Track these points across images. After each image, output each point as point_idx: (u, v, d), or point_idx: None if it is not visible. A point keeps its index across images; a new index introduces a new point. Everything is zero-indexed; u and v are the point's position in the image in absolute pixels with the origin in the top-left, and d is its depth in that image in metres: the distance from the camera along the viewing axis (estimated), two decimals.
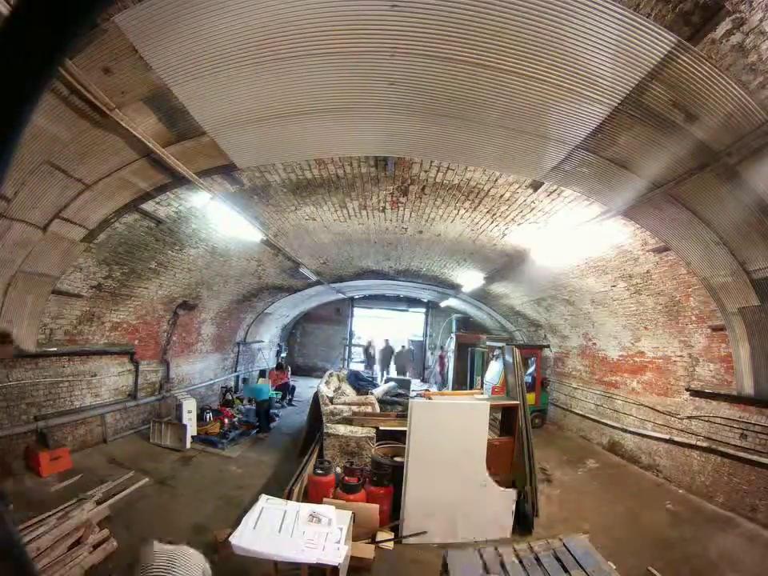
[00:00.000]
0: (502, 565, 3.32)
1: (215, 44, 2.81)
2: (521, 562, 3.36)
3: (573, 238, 5.54)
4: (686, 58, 2.64)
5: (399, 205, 5.95)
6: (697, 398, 6.32)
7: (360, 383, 10.49)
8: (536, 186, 4.74)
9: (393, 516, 4.94)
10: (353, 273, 11.57)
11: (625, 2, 2.36)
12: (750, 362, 5.19)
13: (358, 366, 16.63)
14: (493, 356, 11.36)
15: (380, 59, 3.02)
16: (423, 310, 19.20)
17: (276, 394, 11.60)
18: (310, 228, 6.91)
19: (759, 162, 3.28)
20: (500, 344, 10.09)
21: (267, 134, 4.02)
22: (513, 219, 5.87)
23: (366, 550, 4.25)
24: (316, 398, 7.09)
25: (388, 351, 17.04)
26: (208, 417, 8.52)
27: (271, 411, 9.90)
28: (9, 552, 0.37)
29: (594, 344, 9.10)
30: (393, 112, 3.68)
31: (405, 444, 4.91)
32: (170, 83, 3.14)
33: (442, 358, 16.06)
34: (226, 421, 8.71)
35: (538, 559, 3.38)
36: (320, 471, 5.08)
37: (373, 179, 5.10)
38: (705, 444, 6.04)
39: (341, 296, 16.57)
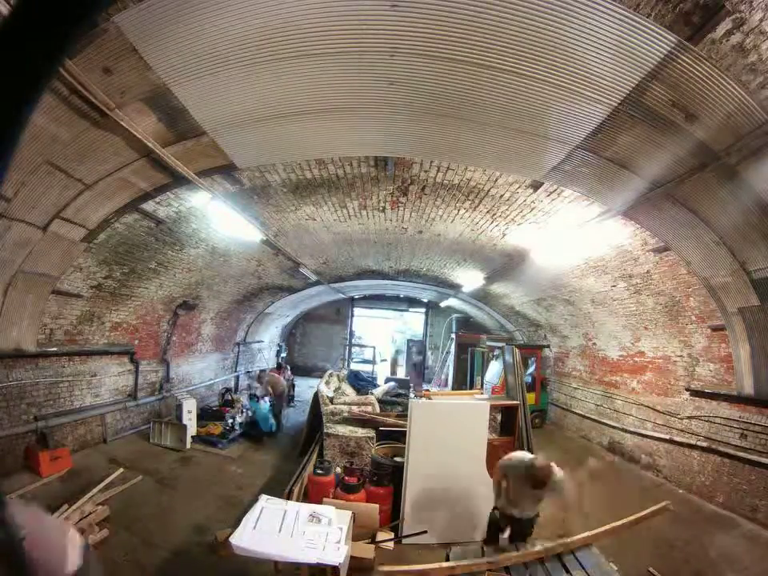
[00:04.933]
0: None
1: (215, 44, 2.81)
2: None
3: (573, 237, 5.54)
4: (686, 58, 2.64)
5: (399, 205, 5.95)
6: (697, 398, 6.32)
7: (360, 383, 10.48)
8: (536, 185, 4.75)
9: (393, 516, 4.94)
10: (353, 273, 11.57)
11: (625, 1, 2.36)
12: (750, 361, 5.19)
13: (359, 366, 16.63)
14: (493, 356, 11.36)
15: (380, 59, 3.02)
16: (423, 309, 19.21)
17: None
18: (310, 228, 6.91)
19: (759, 161, 3.28)
20: (500, 344, 10.09)
21: (267, 134, 4.02)
22: (513, 219, 5.87)
23: (366, 550, 4.25)
24: (316, 398, 7.08)
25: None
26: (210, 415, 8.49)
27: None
28: (9, 552, 0.37)
29: (594, 344, 9.10)
30: (393, 112, 3.68)
31: (405, 444, 4.91)
32: (169, 83, 3.14)
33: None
34: (230, 421, 8.66)
35: (540, 558, 3.38)
36: (320, 471, 5.07)
37: (373, 179, 5.10)
38: (705, 444, 6.04)
39: (341, 296, 16.57)
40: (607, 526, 3.62)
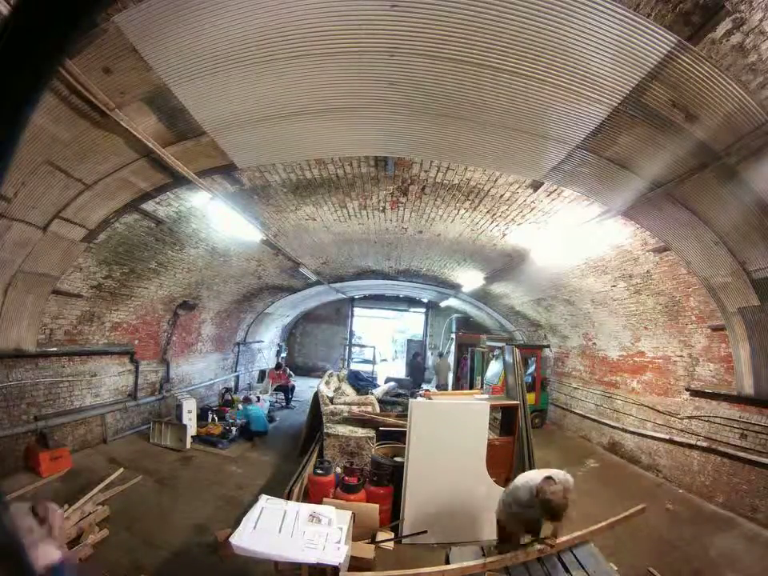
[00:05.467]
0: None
1: (215, 44, 2.81)
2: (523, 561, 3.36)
3: (573, 237, 5.54)
4: (686, 58, 2.64)
5: (399, 205, 5.95)
6: (697, 398, 6.32)
7: (360, 383, 10.49)
8: (536, 186, 4.75)
9: (393, 516, 4.94)
10: (353, 273, 11.57)
11: (625, 1, 2.36)
12: (750, 362, 5.19)
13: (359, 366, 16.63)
14: (493, 356, 11.35)
15: (380, 59, 3.02)
16: (423, 309, 19.22)
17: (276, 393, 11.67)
18: (310, 228, 6.91)
19: (759, 161, 3.28)
20: (500, 344, 10.09)
21: (267, 134, 4.02)
22: (513, 219, 5.87)
23: (366, 550, 4.25)
24: (316, 398, 7.08)
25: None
26: (212, 417, 8.50)
27: (269, 414, 9.83)
28: (10, 553, 0.37)
29: (594, 344, 9.10)
30: (393, 112, 3.68)
31: (405, 444, 4.91)
32: (169, 83, 3.14)
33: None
34: (230, 421, 8.67)
35: (540, 558, 3.38)
36: (320, 471, 5.07)
37: (373, 179, 5.10)
38: (705, 444, 6.04)
39: (341, 296, 16.56)
40: (584, 530, 3.62)
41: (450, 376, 13.29)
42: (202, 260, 7.24)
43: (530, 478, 3.33)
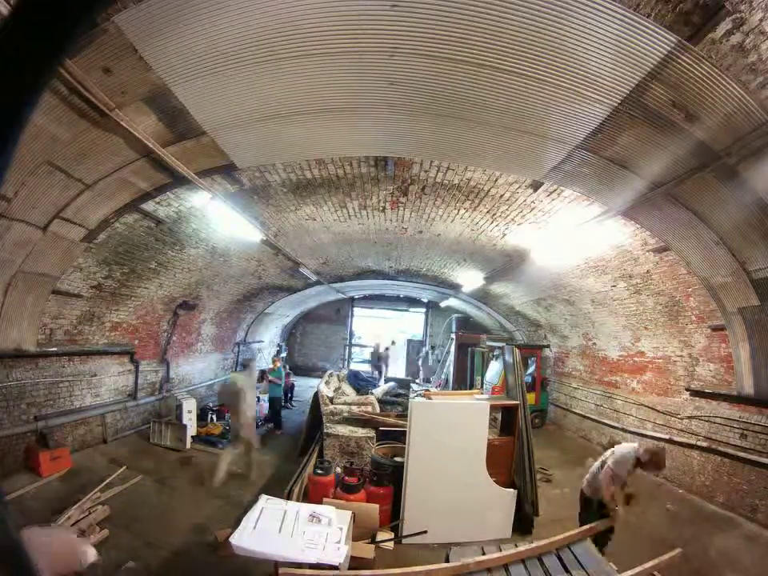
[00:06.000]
0: (505, 563, 3.33)
1: (215, 44, 2.81)
2: (522, 560, 3.37)
3: (573, 237, 5.54)
4: (686, 58, 2.64)
5: (399, 205, 5.95)
6: (697, 398, 6.32)
7: (360, 383, 10.48)
8: (536, 186, 4.75)
9: (393, 516, 4.94)
10: (353, 273, 11.57)
11: (625, 1, 2.36)
12: (750, 362, 5.19)
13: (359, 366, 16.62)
14: (493, 356, 11.36)
15: (380, 59, 3.02)
16: (423, 309, 19.22)
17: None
18: (310, 228, 6.91)
19: (759, 162, 3.28)
20: (500, 344, 10.10)
21: (267, 134, 4.02)
22: (513, 219, 5.87)
23: (366, 550, 4.25)
24: (316, 398, 7.08)
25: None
26: (212, 417, 8.51)
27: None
28: (10, 554, 0.37)
29: (594, 344, 9.10)
30: (393, 112, 3.68)
31: (405, 444, 4.91)
32: (169, 83, 3.14)
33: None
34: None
35: (539, 558, 3.38)
36: (320, 471, 5.07)
37: (373, 179, 5.10)
38: (705, 444, 6.04)
39: (341, 296, 16.56)
40: (582, 528, 3.65)
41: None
42: (201, 260, 7.24)
43: (628, 447, 3.97)
